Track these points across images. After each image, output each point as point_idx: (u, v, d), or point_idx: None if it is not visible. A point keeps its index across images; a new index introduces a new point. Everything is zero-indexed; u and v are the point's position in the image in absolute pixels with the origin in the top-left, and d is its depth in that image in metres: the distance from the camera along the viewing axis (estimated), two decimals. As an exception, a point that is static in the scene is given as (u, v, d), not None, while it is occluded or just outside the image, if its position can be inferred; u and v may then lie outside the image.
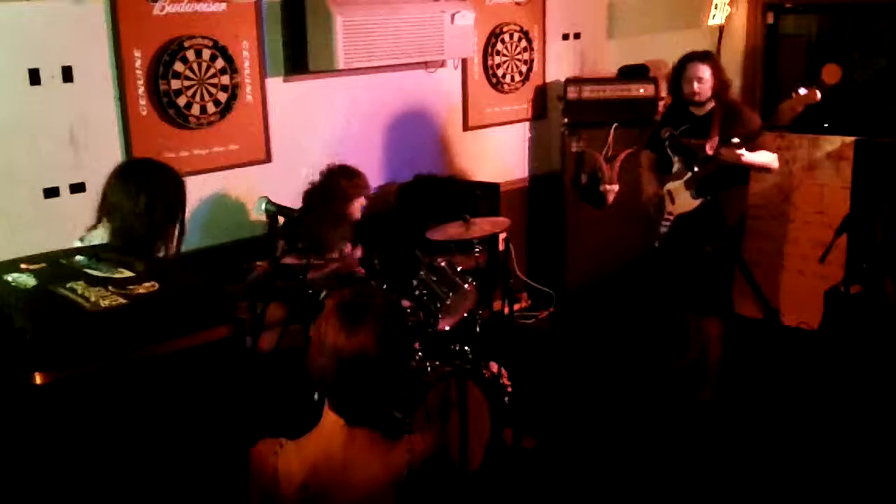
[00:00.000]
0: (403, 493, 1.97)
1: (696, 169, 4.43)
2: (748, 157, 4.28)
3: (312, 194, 4.23)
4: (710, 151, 4.41)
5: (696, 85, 4.41)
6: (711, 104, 4.49)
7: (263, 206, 3.27)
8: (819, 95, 4.12)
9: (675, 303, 4.96)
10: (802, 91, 4.14)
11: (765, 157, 4.40)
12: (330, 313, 1.98)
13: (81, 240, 3.12)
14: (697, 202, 4.47)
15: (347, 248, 4.27)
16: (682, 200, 4.54)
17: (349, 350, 1.92)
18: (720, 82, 4.47)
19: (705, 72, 4.42)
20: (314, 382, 2.00)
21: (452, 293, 3.92)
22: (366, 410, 2.00)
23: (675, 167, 4.55)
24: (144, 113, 4.01)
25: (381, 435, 2.02)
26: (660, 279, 4.92)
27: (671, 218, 4.58)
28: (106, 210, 3.00)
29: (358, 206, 4.23)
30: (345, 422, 1.99)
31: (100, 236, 3.08)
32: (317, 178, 4.26)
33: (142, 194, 2.93)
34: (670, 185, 4.60)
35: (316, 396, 2.56)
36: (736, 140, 4.24)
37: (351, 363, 1.93)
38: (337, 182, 4.20)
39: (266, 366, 3.47)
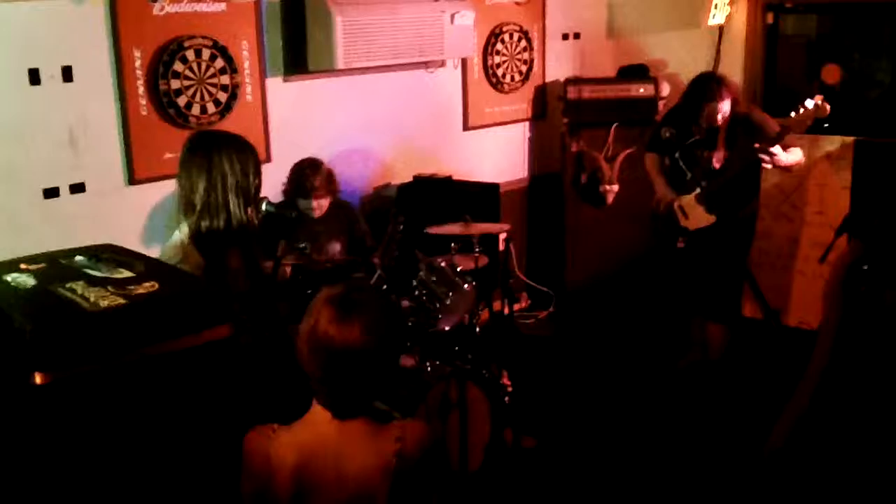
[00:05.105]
0: (397, 485, 1.95)
1: (704, 183, 4.40)
2: (784, 158, 4.25)
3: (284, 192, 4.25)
4: (716, 165, 4.39)
5: (719, 118, 4.38)
6: None
7: (263, 207, 3.26)
8: (829, 108, 4.08)
9: (686, 305, 4.93)
10: (810, 104, 4.10)
11: (796, 156, 4.39)
12: (321, 305, 1.95)
13: (179, 230, 2.91)
14: (713, 218, 4.41)
15: (338, 247, 4.27)
16: (697, 216, 4.49)
17: (340, 342, 1.90)
18: (735, 102, 4.43)
19: (727, 106, 4.37)
20: (303, 374, 1.98)
21: (452, 293, 3.91)
22: (354, 404, 1.99)
23: (688, 178, 4.50)
24: (144, 113, 4.01)
25: (371, 421, 1.99)
26: (672, 282, 4.89)
27: (686, 234, 4.53)
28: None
29: (317, 206, 4.20)
30: (332, 414, 1.98)
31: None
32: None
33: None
34: (681, 201, 4.57)
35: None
36: (772, 141, 4.20)
37: (341, 355, 1.91)
38: (292, 177, 4.21)
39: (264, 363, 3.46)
